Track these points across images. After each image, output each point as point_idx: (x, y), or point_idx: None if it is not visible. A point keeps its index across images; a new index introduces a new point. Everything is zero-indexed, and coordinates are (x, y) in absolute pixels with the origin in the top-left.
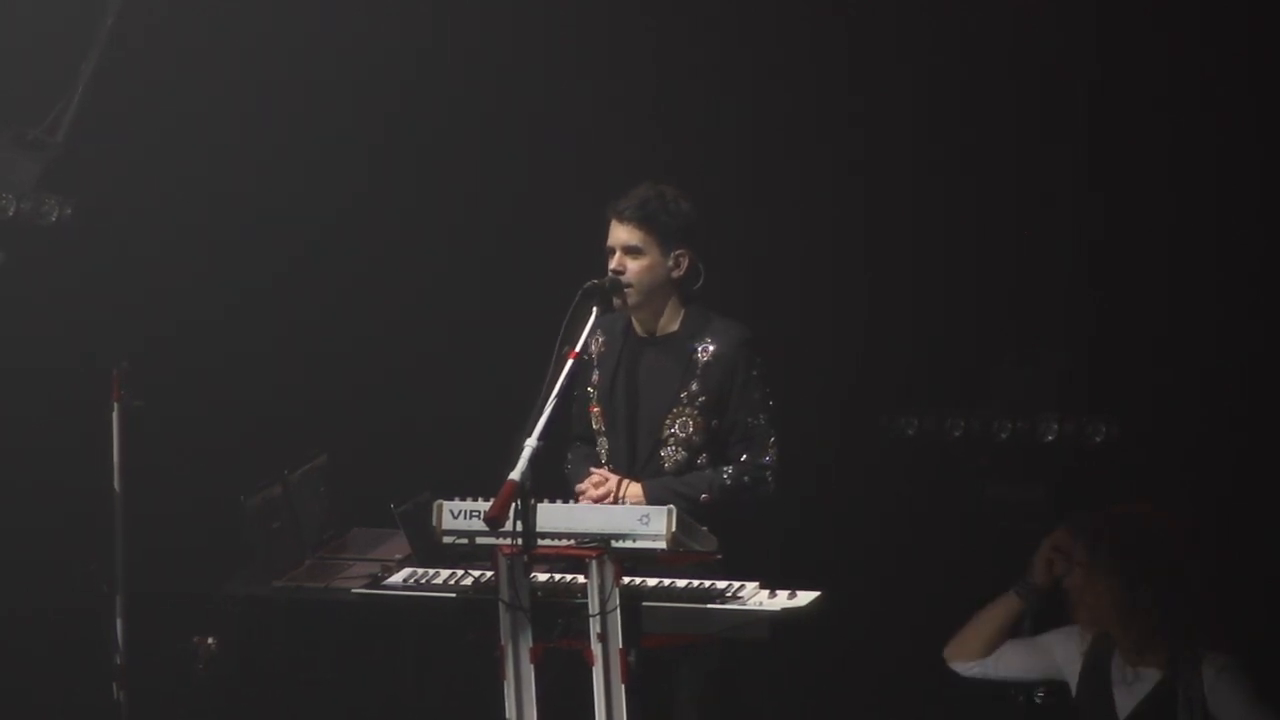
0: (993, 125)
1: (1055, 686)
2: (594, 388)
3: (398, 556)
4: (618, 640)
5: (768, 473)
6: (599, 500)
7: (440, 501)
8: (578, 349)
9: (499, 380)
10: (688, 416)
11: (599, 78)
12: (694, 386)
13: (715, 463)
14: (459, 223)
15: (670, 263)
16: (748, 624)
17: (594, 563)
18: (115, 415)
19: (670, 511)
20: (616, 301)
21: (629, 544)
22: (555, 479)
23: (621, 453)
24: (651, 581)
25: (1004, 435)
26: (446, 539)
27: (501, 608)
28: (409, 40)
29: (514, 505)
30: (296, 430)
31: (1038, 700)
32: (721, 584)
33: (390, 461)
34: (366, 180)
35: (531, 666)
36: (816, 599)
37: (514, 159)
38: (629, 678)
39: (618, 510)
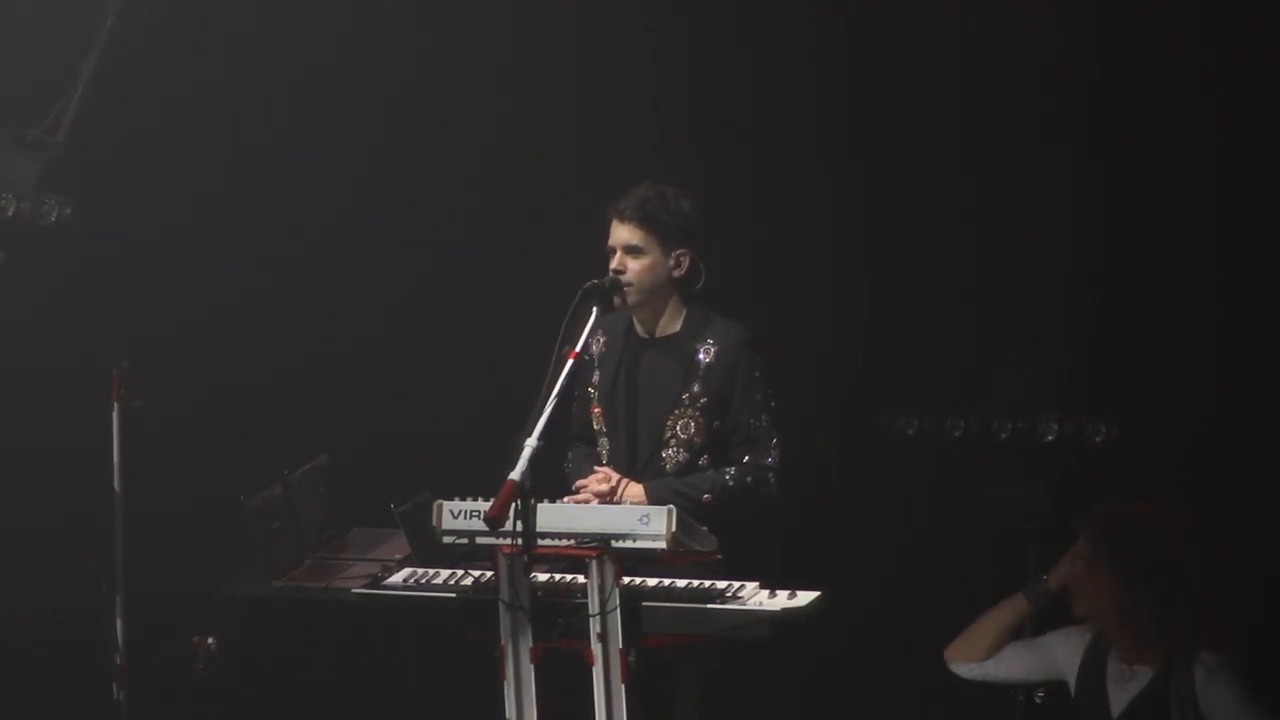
0: (993, 125)
1: (1055, 686)
2: (595, 388)
3: (398, 556)
4: (618, 640)
5: (770, 474)
6: (599, 495)
7: (440, 501)
8: (578, 349)
9: (499, 380)
10: (689, 418)
11: (599, 77)
12: (695, 388)
13: (717, 464)
14: (459, 222)
15: (671, 262)
16: (748, 624)
17: (594, 563)
18: (115, 415)
19: (670, 511)
20: (617, 301)
21: (629, 544)
22: (555, 479)
23: (622, 453)
24: (651, 581)
25: (1004, 435)
26: (446, 539)
27: (501, 608)
28: (409, 40)
29: (514, 505)
30: (296, 430)
31: (1038, 700)
32: (721, 584)
33: (390, 461)
34: (366, 180)
35: (531, 666)
36: (816, 599)
37: (514, 159)
38: (629, 678)
39: (618, 510)
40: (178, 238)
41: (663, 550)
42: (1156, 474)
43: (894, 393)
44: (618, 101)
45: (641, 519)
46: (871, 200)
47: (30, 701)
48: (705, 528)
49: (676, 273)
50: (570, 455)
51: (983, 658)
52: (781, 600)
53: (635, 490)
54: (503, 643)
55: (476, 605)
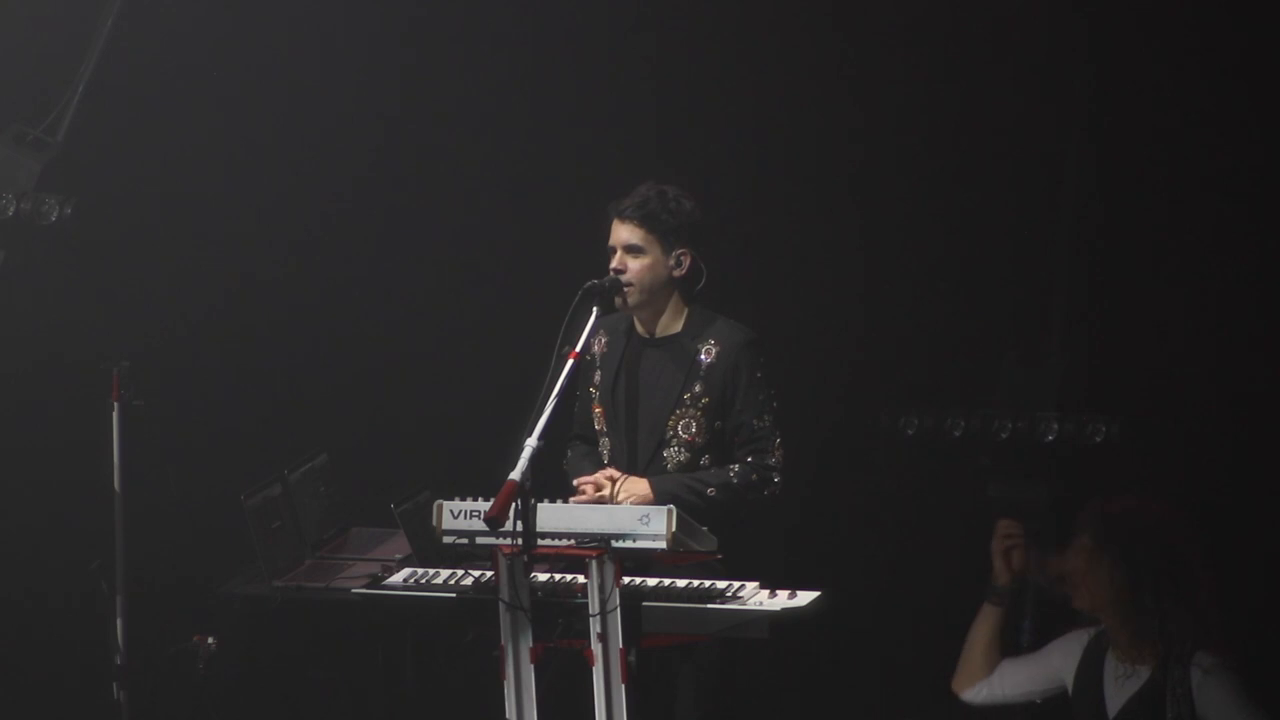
0: (993, 125)
1: (1058, 695)
2: (596, 388)
3: (398, 556)
4: (618, 640)
5: (774, 474)
6: (600, 488)
7: (440, 501)
8: (578, 349)
9: (499, 380)
10: (690, 418)
11: (600, 76)
12: (697, 388)
13: (718, 464)
14: (460, 222)
15: (671, 262)
16: (748, 624)
17: (594, 563)
18: (115, 415)
19: (670, 511)
20: (618, 302)
21: (629, 544)
22: (556, 479)
23: (623, 453)
24: (652, 581)
25: (1004, 435)
26: (446, 539)
27: (501, 607)
28: (409, 40)
29: (514, 505)
30: (296, 430)
31: (1038, 700)
32: (721, 584)
33: (390, 461)
34: (367, 180)
35: (531, 666)
36: (816, 599)
37: (514, 158)
38: (629, 677)
39: (618, 510)
40: (178, 238)
41: (663, 550)
42: (1157, 473)
43: (894, 392)
44: (618, 101)
45: (642, 519)
46: (871, 200)
47: (30, 701)
48: (705, 527)
49: (677, 273)
50: (569, 453)
51: (983, 675)
52: (781, 600)
53: (641, 485)
54: (503, 642)
55: (476, 605)
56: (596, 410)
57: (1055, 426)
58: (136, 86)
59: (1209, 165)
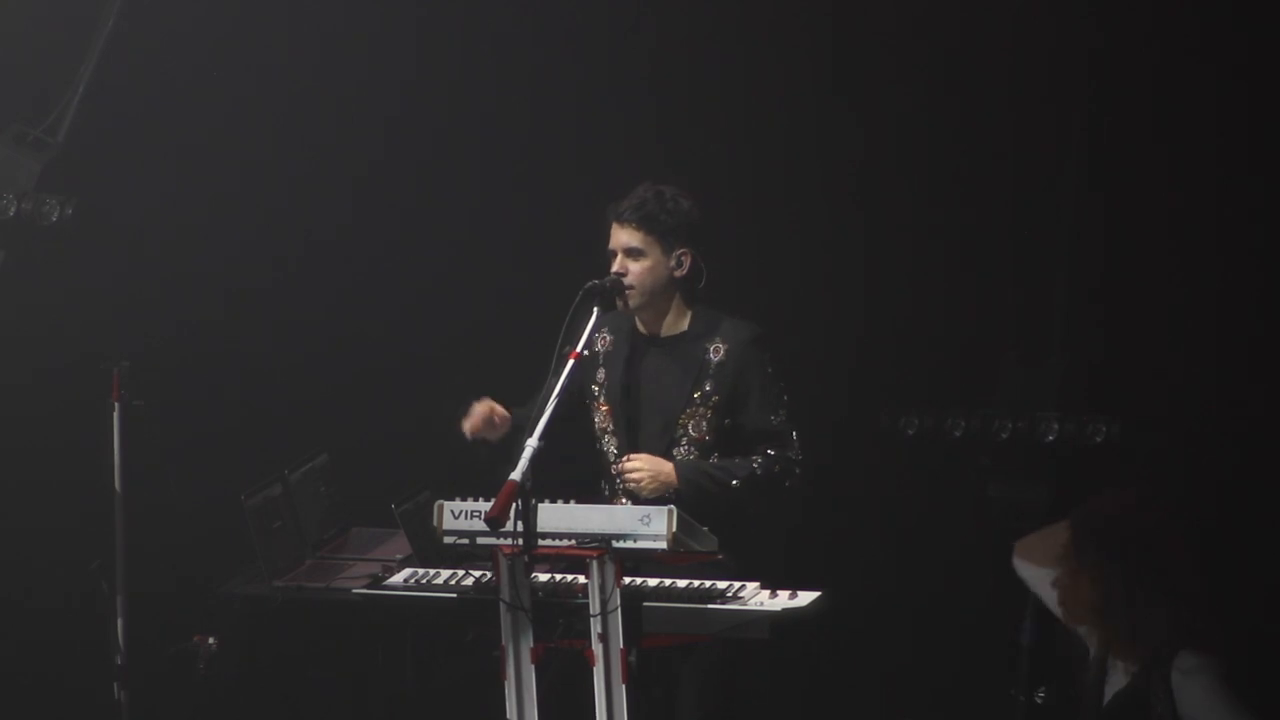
0: (993, 124)
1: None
2: (599, 385)
3: (398, 556)
4: (618, 640)
5: (795, 467)
6: (628, 471)
7: (441, 501)
8: (579, 350)
9: (499, 381)
10: (701, 416)
11: (601, 76)
12: (707, 386)
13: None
14: (460, 223)
15: (672, 263)
16: (748, 624)
17: (595, 563)
18: (115, 415)
19: (671, 511)
20: (619, 304)
21: (630, 544)
22: (556, 479)
23: (630, 451)
24: (652, 582)
25: (1004, 435)
26: (447, 539)
27: (502, 608)
28: (409, 41)
29: (515, 505)
30: (296, 430)
31: (1039, 700)
32: (722, 584)
33: (391, 461)
34: (367, 180)
35: (532, 666)
36: (817, 599)
37: (515, 159)
38: (629, 678)
39: (618, 510)
40: (178, 238)
41: (663, 550)
42: (1156, 474)
43: (894, 392)
44: (619, 101)
45: (642, 519)
46: (871, 199)
47: (31, 701)
48: (706, 527)
49: (678, 273)
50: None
51: (1039, 565)
52: (782, 600)
53: (666, 466)
54: (503, 643)
55: (477, 605)
56: (603, 409)
57: (1055, 427)
58: (137, 87)
59: (1209, 165)
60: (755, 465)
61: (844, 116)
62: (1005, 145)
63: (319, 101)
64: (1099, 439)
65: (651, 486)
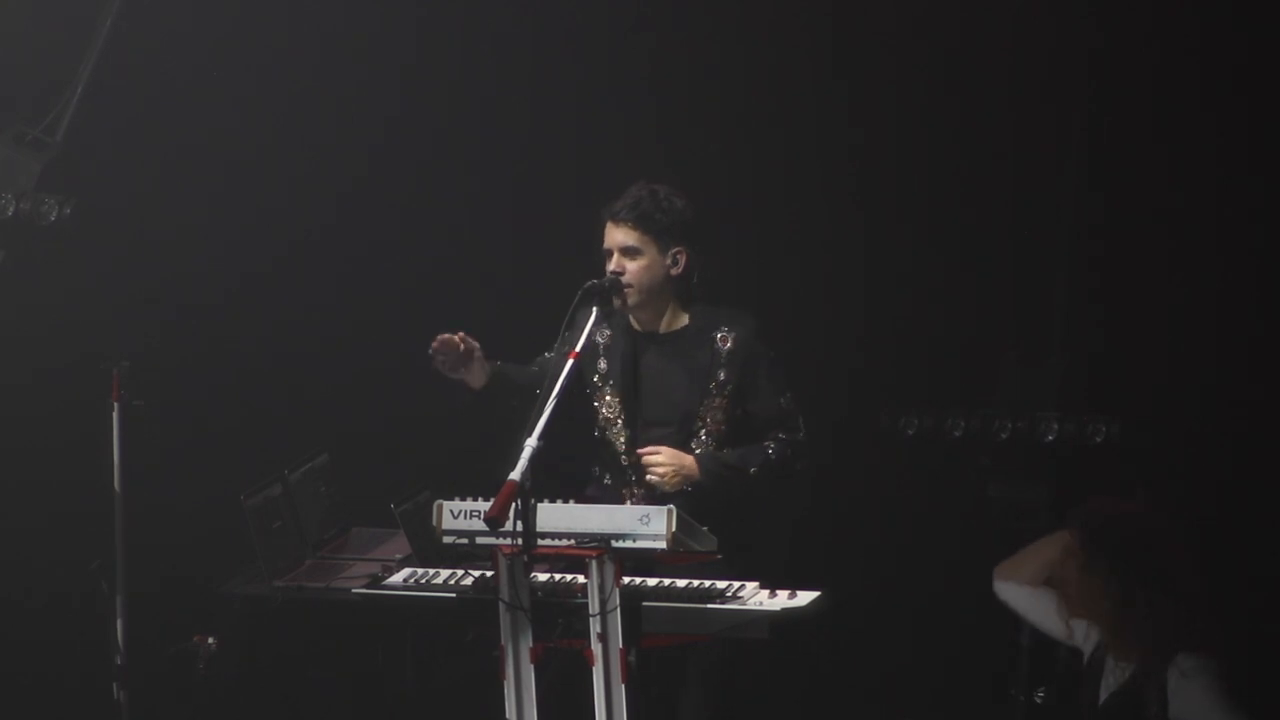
0: (993, 124)
1: (1063, 680)
2: (600, 375)
3: (398, 556)
4: (618, 640)
5: (805, 449)
6: (652, 464)
7: (440, 501)
8: (578, 349)
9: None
10: (718, 407)
11: (601, 76)
12: (721, 375)
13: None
14: (459, 222)
15: (668, 261)
16: (747, 624)
17: (594, 563)
18: (115, 415)
19: (670, 511)
20: (617, 303)
21: (629, 544)
22: (555, 479)
23: (643, 444)
24: (652, 581)
25: (1004, 435)
26: (447, 539)
27: (501, 607)
28: (408, 40)
29: (514, 505)
30: (296, 430)
31: (1038, 700)
32: (721, 584)
33: (390, 461)
34: (366, 179)
35: (531, 666)
36: (816, 599)
37: (514, 158)
38: (629, 677)
39: (618, 510)
40: (177, 237)
41: (662, 550)
42: (1156, 474)
43: (894, 392)
44: (619, 101)
45: (642, 519)
46: (871, 199)
47: (30, 701)
48: (705, 527)
49: (674, 271)
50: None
51: (1023, 584)
52: (781, 600)
53: (688, 460)
54: (503, 642)
55: (477, 605)
56: (609, 399)
57: (1055, 427)
58: (136, 86)
59: (1209, 165)
60: (769, 451)
61: (844, 116)
62: (1005, 145)
63: (318, 101)
64: (1099, 439)
65: (675, 480)
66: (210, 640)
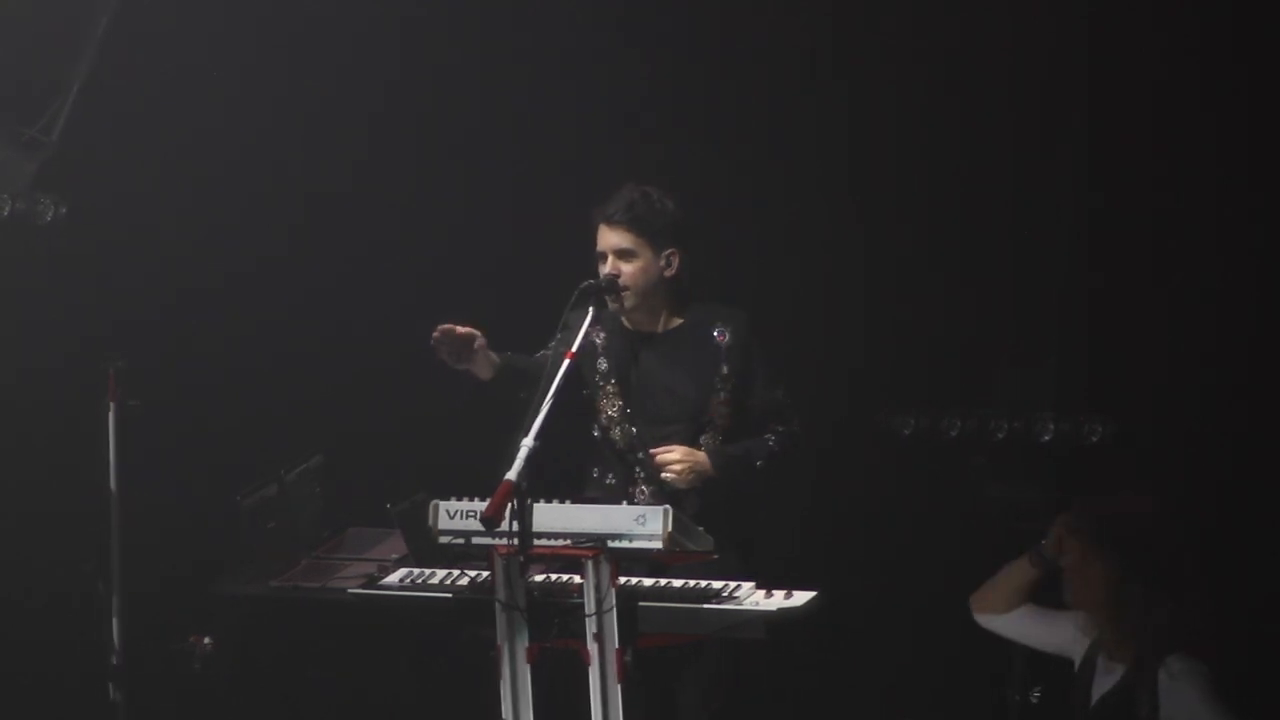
0: (991, 125)
1: (1057, 680)
2: (601, 375)
3: (394, 556)
4: (614, 640)
5: (800, 440)
6: (667, 463)
7: (436, 501)
8: (574, 349)
9: (489, 382)
10: (723, 402)
11: (601, 76)
12: (724, 370)
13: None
14: (456, 221)
15: (662, 262)
16: (744, 624)
17: (590, 563)
18: (111, 415)
19: (666, 511)
20: (613, 304)
21: (625, 544)
22: (552, 479)
23: (651, 442)
24: (648, 581)
25: (1001, 435)
26: (443, 539)
27: (498, 608)
28: (406, 40)
29: (510, 505)
30: (292, 430)
31: (1034, 700)
32: (718, 584)
33: (386, 461)
34: (363, 179)
35: (528, 666)
36: (813, 599)
37: (511, 159)
38: (625, 677)
39: (614, 510)
40: (173, 237)
41: (659, 550)
42: (1154, 473)
43: (891, 392)
44: (618, 101)
45: (638, 519)
46: (870, 199)
47: (27, 701)
48: (702, 528)
49: (668, 273)
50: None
51: (1000, 613)
52: (778, 600)
53: (701, 456)
54: (499, 642)
55: (473, 605)
56: (612, 397)
57: (1052, 427)
58: (132, 86)
59: (1208, 165)
60: (771, 443)
61: (843, 116)
62: (1004, 145)
63: (315, 100)
64: (1095, 439)
65: (690, 478)
66: (206, 640)
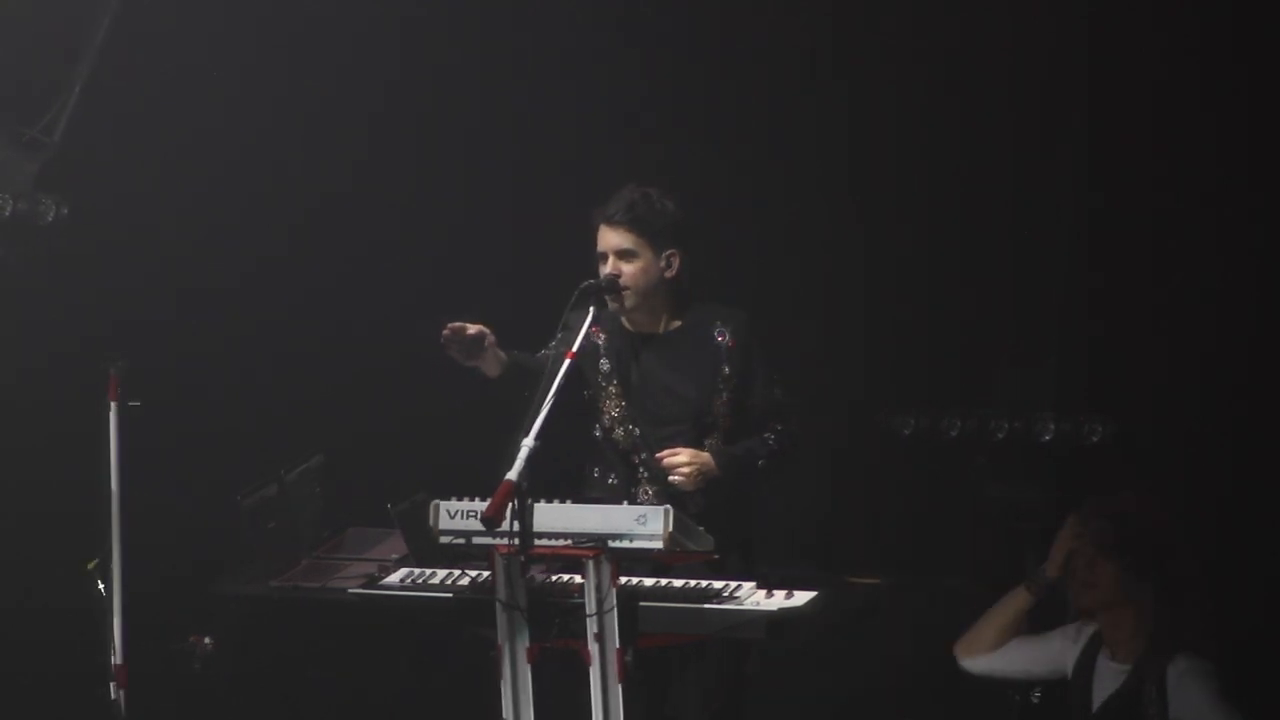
0: (991, 125)
1: (1057, 681)
2: (603, 375)
3: (394, 556)
4: (614, 640)
5: (800, 438)
6: (675, 466)
7: (437, 501)
8: (574, 349)
9: (496, 380)
10: (725, 402)
11: (601, 76)
12: (726, 370)
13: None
14: (456, 221)
15: (662, 263)
16: (744, 624)
17: (591, 563)
18: (112, 415)
19: (667, 512)
20: (613, 304)
21: (626, 544)
22: (552, 479)
23: (656, 443)
24: (649, 581)
25: (1001, 435)
26: (443, 539)
27: (498, 608)
28: (404, 40)
29: (511, 505)
30: (293, 430)
31: (1035, 700)
32: (718, 584)
33: (387, 461)
34: (362, 179)
35: (528, 666)
36: (813, 599)
37: (511, 159)
38: (625, 677)
39: (615, 510)
40: (173, 237)
41: (659, 550)
42: (1153, 473)
43: (891, 392)
44: (618, 101)
45: (639, 519)
46: (870, 200)
47: (27, 701)
48: (702, 528)
49: (668, 273)
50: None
51: (989, 651)
52: (778, 600)
53: (706, 458)
54: (499, 642)
55: (473, 605)
56: (616, 398)
57: (1052, 426)
58: (132, 86)
59: (1208, 165)
60: (771, 443)
61: (843, 116)
62: (1004, 145)
63: (315, 101)
64: (1095, 439)
65: (697, 480)
66: (207, 640)
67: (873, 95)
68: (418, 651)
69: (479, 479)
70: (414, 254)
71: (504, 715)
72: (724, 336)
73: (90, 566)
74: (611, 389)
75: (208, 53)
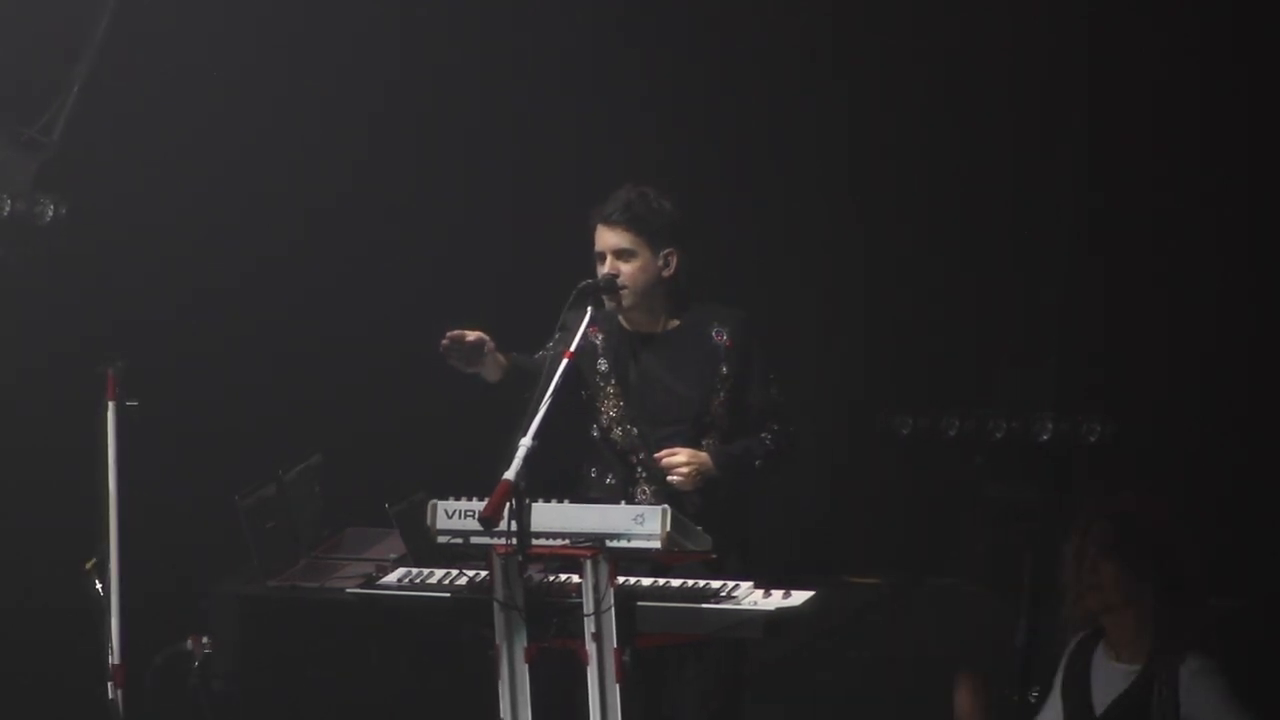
0: (992, 124)
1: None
2: (602, 375)
3: (392, 556)
4: (612, 640)
5: (795, 438)
6: (673, 466)
7: (435, 501)
8: (572, 349)
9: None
10: (723, 402)
11: (601, 76)
12: (724, 369)
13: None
14: (456, 222)
15: (660, 262)
16: (742, 624)
17: (589, 562)
18: (110, 415)
19: (665, 511)
20: (611, 303)
21: (624, 544)
22: (551, 479)
23: (655, 442)
24: (646, 581)
25: (999, 435)
26: (441, 539)
27: (496, 607)
28: (403, 41)
29: (508, 505)
30: (291, 430)
31: (1032, 700)
32: (716, 584)
33: (385, 461)
34: (361, 179)
35: (526, 666)
36: (811, 599)
37: (511, 159)
38: (623, 677)
39: (613, 510)
40: (172, 237)
41: (657, 550)
42: (1152, 473)
43: (890, 392)
44: (617, 101)
45: (636, 519)
46: (870, 200)
47: (25, 701)
48: (700, 527)
49: (666, 272)
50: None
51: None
52: (776, 600)
53: (704, 457)
54: (497, 642)
55: (471, 605)
56: (615, 398)
57: (1050, 426)
58: (132, 86)
59: (1208, 165)
60: (768, 442)
61: (843, 116)
62: (1004, 145)
63: (314, 102)
64: (1094, 439)
65: (695, 480)
66: (205, 640)
67: (873, 95)
68: (416, 651)
69: (477, 479)
70: (414, 254)
71: (502, 715)
72: (722, 336)
73: (89, 566)
74: (609, 389)
75: (208, 53)
